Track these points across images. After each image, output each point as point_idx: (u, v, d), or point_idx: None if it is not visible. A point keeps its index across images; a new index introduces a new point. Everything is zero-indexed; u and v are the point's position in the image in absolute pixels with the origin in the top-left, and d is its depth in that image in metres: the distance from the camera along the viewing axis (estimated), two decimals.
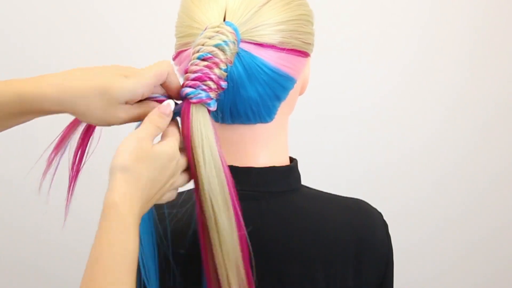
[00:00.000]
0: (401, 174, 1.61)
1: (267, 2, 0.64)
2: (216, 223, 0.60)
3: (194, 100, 0.60)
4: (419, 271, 1.63)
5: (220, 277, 0.61)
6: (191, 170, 0.61)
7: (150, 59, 1.61)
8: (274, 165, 0.69)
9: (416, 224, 1.62)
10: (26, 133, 1.51)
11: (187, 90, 0.61)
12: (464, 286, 1.65)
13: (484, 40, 1.57)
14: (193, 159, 0.60)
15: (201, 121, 0.60)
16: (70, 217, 1.68)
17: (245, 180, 0.66)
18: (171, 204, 0.68)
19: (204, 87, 0.60)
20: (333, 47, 1.51)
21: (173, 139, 0.59)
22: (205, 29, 0.62)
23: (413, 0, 1.55)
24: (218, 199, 0.60)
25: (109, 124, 0.61)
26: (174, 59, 0.69)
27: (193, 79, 0.61)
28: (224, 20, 0.63)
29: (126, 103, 0.60)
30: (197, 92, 0.60)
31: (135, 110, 0.61)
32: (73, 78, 0.60)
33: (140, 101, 0.62)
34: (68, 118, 1.66)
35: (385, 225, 0.75)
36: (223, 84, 0.61)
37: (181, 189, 0.73)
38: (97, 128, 1.72)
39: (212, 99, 0.61)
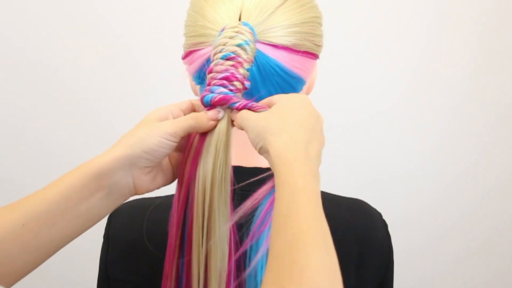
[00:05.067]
0: (404, 176, 1.61)
1: (282, 4, 0.64)
2: (209, 227, 0.60)
3: (237, 105, 0.61)
4: (421, 272, 1.64)
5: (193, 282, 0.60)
6: (189, 170, 0.61)
7: (151, 58, 1.62)
8: None
9: (422, 226, 1.62)
10: (26, 133, 1.51)
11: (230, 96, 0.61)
12: None
13: (490, 42, 1.57)
14: (201, 160, 0.60)
15: (225, 126, 0.61)
16: None
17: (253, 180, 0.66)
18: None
19: (232, 87, 0.60)
20: (340, 51, 1.50)
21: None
22: (223, 29, 0.62)
23: (418, 5, 1.54)
24: (219, 200, 0.60)
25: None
26: (184, 58, 0.69)
27: (221, 79, 0.61)
28: (239, 20, 0.63)
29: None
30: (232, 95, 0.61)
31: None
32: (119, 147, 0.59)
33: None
34: (67, 118, 1.65)
35: (385, 225, 0.76)
36: (247, 84, 0.62)
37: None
38: (96, 129, 1.72)
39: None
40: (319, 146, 0.56)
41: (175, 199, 0.63)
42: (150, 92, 1.52)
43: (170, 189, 0.75)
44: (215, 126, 0.61)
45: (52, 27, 1.48)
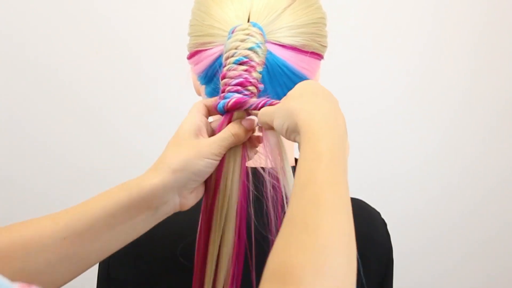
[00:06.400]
0: (405, 174, 1.61)
1: (290, 5, 0.64)
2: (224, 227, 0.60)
3: (254, 106, 0.61)
4: (422, 272, 1.64)
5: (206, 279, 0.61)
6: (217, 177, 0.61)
7: (152, 58, 1.61)
8: None
9: (423, 226, 1.62)
10: (26, 133, 1.51)
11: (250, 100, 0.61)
12: None
13: (490, 41, 1.57)
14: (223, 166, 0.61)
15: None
16: None
17: (258, 180, 0.65)
18: None
19: (247, 92, 0.60)
20: (340, 50, 1.50)
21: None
22: (233, 31, 0.62)
23: (418, 4, 1.54)
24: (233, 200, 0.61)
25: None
26: (189, 58, 0.69)
27: (236, 85, 0.60)
28: (248, 21, 0.63)
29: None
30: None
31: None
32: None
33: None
34: (67, 117, 1.65)
35: (384, 224, 0.76)
36: (260, 86, 0.62)
37: None
38: (97, 129, 1.72)
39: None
40: (344, 120, 0.55)
41: (203, 208, 0.63)
42: (151, 91, 1.52)
43: None
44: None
45: (52, 27, 1.48)
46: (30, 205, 1.52)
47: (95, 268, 0.74)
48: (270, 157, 0.62)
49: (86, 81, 1.50)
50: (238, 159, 0.61)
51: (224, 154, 0.60)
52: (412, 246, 1.59)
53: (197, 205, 0.69)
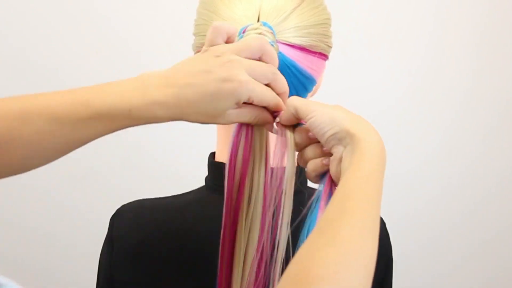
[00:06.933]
0: (405, 174, 1.61)
1: (299, 6, 0.64)
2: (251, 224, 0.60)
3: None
4: (422, 272, 1.63)
5: (234, 276, 0.60)
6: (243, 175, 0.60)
7: (152, 58, 1.61)
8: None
9: (423, 226, 1.62)
10: None
11: None
12: None
13: (491, 41, 1.57)
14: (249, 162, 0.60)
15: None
16: (72, 216, 1.68)
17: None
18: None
19: None
20: (342, 50, 1.50)
21: None
22: (244, 30, 0.61)
23: (420, 4, 1.54)
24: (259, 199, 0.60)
25: (214, 121, 0.56)
26: None
27: None
28: (257, 21, 0.62)
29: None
30: None
31: (247, 109, 0.57)
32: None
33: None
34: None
35: (383, 223, 0.77)
36: None
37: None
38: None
39: None
40: None
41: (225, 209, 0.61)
42: None
43: (175, 189, 0.75)
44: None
45: (52, 27, 1.48)
46: (30, 205, 1.52)
47: (95, 268, 0.74)
48: (281, 156, 0.61)
49: (86, 81, 1.50)
50: (263, 159, 0.60)
51: (249, 156, 0.59)
52: (412, 246, 1.59)
53: (199, 206, 0.69)
